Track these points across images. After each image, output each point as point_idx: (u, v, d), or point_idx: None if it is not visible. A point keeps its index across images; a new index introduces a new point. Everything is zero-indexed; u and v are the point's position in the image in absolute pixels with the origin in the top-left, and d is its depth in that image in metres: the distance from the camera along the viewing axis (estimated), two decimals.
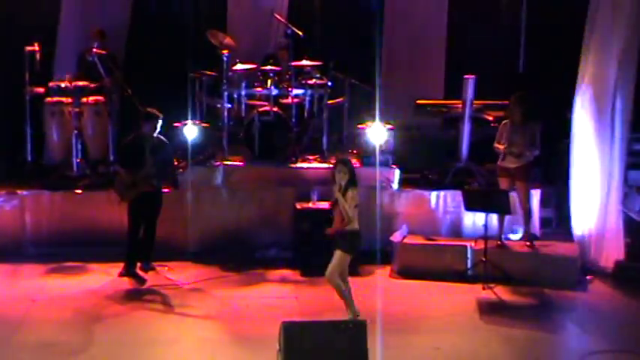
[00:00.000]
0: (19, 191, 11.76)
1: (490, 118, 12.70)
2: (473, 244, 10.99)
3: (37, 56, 12.22)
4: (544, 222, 11.68)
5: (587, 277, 10.88)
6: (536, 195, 11.75)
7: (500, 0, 14.05)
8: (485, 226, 10.61)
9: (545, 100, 11.95)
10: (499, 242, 11.05)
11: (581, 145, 11.11)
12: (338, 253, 9.08)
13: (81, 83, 12.52)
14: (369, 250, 11.37)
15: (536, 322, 9.49)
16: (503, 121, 11.15)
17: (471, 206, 11.00)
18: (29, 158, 12.47)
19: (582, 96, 11.09)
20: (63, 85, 12.49)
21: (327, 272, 9.12)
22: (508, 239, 11.35)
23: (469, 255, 10.92)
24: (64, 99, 12.43)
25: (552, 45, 12.73)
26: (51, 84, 12.56)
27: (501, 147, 10.95)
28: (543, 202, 11.97)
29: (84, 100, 12.44)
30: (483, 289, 10.34)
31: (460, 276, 10.72)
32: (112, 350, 8.56)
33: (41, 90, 12.45)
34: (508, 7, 14.03)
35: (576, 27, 11.15)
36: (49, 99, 12.47)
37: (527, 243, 11.13)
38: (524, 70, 14.11)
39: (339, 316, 9.11)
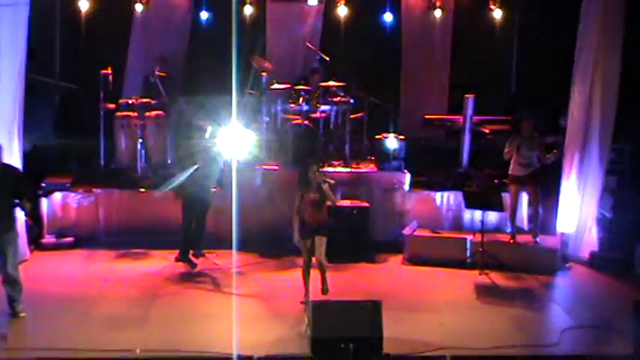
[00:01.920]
0: (94, 189, 11.79)
1: (487, 131, 12.63)
2: (472, 236, 10.93)
3: (110, 78, 12.29)
4: (530, 218, 11.55)
5: (567, 265, 10.79)
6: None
7: (495, 32, 13.95)
8: (482, 221, 10.56)
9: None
10: (512, 240, 10.92)
11: (574, 154, 11.00)
12: (324, 240, 9.00)
13: (145, 100, 12.56)
14: (384, 241, 11.41)
15: (524, 302, 9.44)
16: (513, 136, 10.88)
17: (470, 205, 10.95)
18: (102, 162, 12.52)
19: (574, 112, 11.01)
20: (130, 101, 12.52)
21: (322, 257, 9.01)
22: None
23: (468, 246, 10.84)
24: (131, 113, 12.42)
25: (539, 70, 12.65)
26: (121, 101, 12.58)
27: (510, 153, 10.75)
28: (530, 202, 11.85)
29: (147, 114, 12.46)
30: (480, 274, 10.29)
31: (461, 264, 10.66)
32: (169, 322, 8.59)
33: (113, 106, 12.49)
34: (502, 37, 13.95)
35: (559, 54, 11.06)
36: (119, 113, 12.47)
37: (534, 238, 10.92)
38: (516, 91, 14.01)
39: (359, 296, 9.07)
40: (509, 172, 10.92)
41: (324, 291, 9.11)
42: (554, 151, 10.70)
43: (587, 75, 10.78)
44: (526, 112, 11.01)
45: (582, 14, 10.71)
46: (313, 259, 9.12)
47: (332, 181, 9.15)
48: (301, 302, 9.07)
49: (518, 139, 10.80)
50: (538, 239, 10.91)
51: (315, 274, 9.16)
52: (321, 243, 9.03)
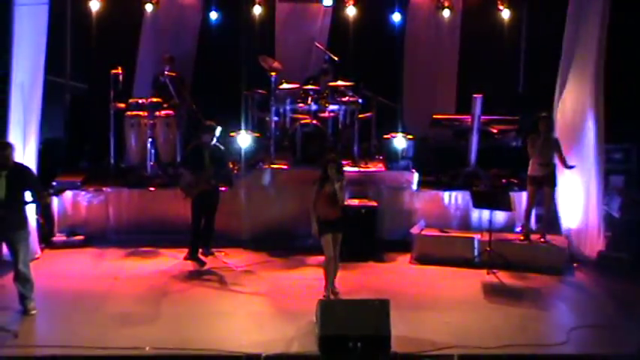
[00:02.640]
0: (104, 188, 11.83)
1: (494, 131, 12.61)
2: (479, 236, 10.92)
3: (121, 78, 12.32)
4: (538, 218, 11.54)
5: (574, 265, 10.77)
6: None
7: (503, 32, 13.93)
8: (490, 220, 10.56)
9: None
10: (524, 237, 10.93)
11: (567, 153, 10.99)
12: (339, 235, 9.05)
13: (154, 100, 12.59)
14: (392, 241, 11.40)
15: (531, 302, 9.44)
16: (531, 136, 10.84)
17: (477, 204, 10.92)
18: (112, 161, 12.55)
19: (562, 113, 10.99)
20: (140, 101, 12.56)
21: (335, 253, 9.05)
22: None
23: (476, 245, 10.83)
24: (141, 113, 12.47)
25: (545, 70, 12.61)
26: (131, 100, 12.61)
27: (532, 160, 10.75)
28: (538, 202, 11.83)
29: (157, 113, 12.48)
30: (487, 273, 10.28)
31: (468, 263, 10.65)
32: (178, 320, 8.60)
33: (123, 105, 12.53)
34: (510, 38, 13.93)
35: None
36: (129, 113, 12.51)
37: (542, 238, 10.92)
38: (523, 91, 13.99)
39: (367, 295, 9.13)
40: (529, 172, 10.87)
41: (334, 294, 9.13)
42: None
43: (576, 72, 10.76)
44: (545, 112, 10.93)
45: (569, 16, 10.74)
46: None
47: (344, 180, 9.15)
48: (324, 296, 9.04)
49: (537, 139, 10.75)
50: (547, 238, 10.89)
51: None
52: (338, 240, 9.08)
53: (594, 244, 10.93)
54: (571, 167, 10.74)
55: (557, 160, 10.79)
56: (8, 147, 8.53)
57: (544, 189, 10.84)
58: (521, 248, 10.78)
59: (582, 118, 10.87)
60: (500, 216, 11.40)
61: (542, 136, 10.74)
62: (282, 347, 7.81)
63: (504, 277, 10.21)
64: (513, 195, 10.99)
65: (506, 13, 13.91)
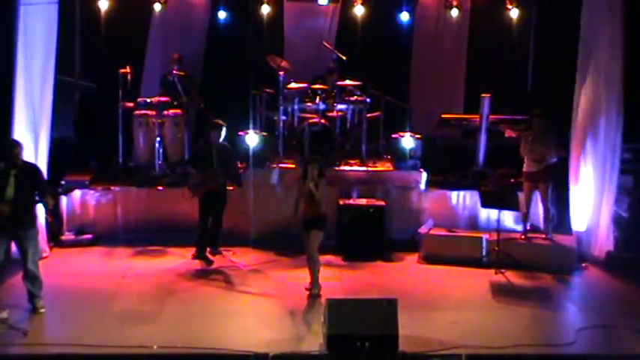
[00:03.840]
0: (112, 187, 11.87)
1: (503, 131, 12.58)
2: (487, 235, 10.90)
3: (129, 77, 12.35)
4: (544, 218, 11.50)
5: (583, 265, 10.74)
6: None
7: (512, 31, 13.90)
8: (498, 220, 10.54)
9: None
10: (524, 236, 10.95)
11: (580, 153, 10.97)
12: (316, 233, 9.13)
13: (163, 99, 12.62)
14: (400, 240, 11.39)
15: (539, 302, 9.40)
16: (525, 132, 10.97)
17: (486, 204, 10.90)
18: (121, 160, 12.58)
19: (579, 112, 10.96)
20: (149, 100, 12.59)
21: (310, 251, 9.15)
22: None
23: (484, 245, 10.81)
24: (149, 112, 12.52)
25: (554, 70, 12.59)
26: (139, 99, 12.66)
27: (525, 157, 10.84)
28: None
29: (165, 112, 12.52)
30: (495, 273, 10.26)
31: (476, 262, 10.63)
32: (185, 318, 8.61)
33: (131, 104, 12.56)
34: (519, 37, 13.89)
35: (576, 54, 11.00)
36: (137, 112, 12.56)
37: (545, 236, 10.93)
38: (532, 91, 13.95)
39: (375, 295, 9.13)
40: (523, 169, 10.92)
41: (313, 294, 9.18)
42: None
43: (591, 73, 10.74)
44: (538, 110, 10.96)
45: (583, 15, 10.71)
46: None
47: (323, 183, 9.23)
48: (306, 288, 9.25)
49: (530, 136, 10.82)
50: (550, 236, 10.89)
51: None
52: (316, 237, 9.16)
53: (603, 245, 10.90)
54: (553, 160, 10.74)
55: (554, 158, 10.77)
56: (17, 146, 8.55)
57: (539, 185, 10.82)
58: (529, 248, 10.77)
59: (597, 117, 10.81)
60: (508, 216, 11.36)
61: (534, 133, 10.76)
62: (289, 346, 7.80)
63: (512, 277, 10.18)
64: (521, 195, 10.94)
65: (514, 12, 13.88)
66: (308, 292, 9.29)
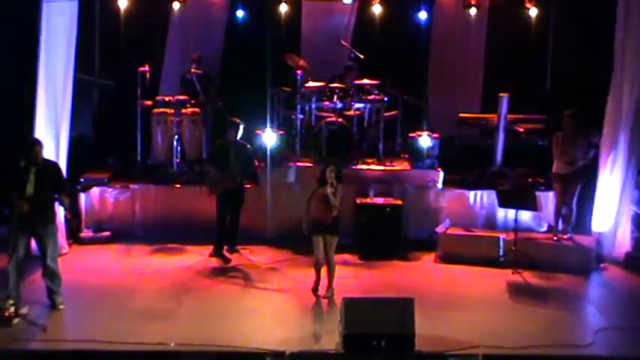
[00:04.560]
0: (131, 185, 11.92)
1: (521, 130, 12.52)
2: (505, 235, 10.86)
3: (148, 76, 12.40)
4: (563, 217, 11.46)
5: (602, 265, 10.68)
6: None
7: (530, 30, 13.82)
8: (516, 220, 10.50)
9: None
10: (555, 236, 10.89)
11: (604, 156, 10.92)
12: (331, 238, 9.13)
13: (181, 97, 12.65)
14: (417, 239, 11.37)
15: (557, 302, 9.36)
16: (556, 134, 10.86)
17: (503, 204, 10.85)
18: (139, 158, 12.63)
19: (607, 118, 10.91)
20: (167, 98, 12.62)
21: (330, 257, 9.15)
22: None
23: (501, 244, 10.77)
24: (167, 110, 12.55)
25: (573, 69, 12.52)
26: (157, 98, 12.69)
27: (555, 158, 10.77)
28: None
29: (183, 111, 12.55)
30: (513, 273, 10.23)
31: (493, 262, 10.60)
32: (202, 316, 8.65)
33: (150, 103, 12.60)
34: (537, 36, 13.81)
35: (594, 53, 10.94)
36: (155, 110, 12.59)
37: (565, 236, 10.89)
38: (550, 90, 13.88)
39: (392, 294, 9.12)
40: (553, 170, 10.83)
41: (327, 296, 9.20)
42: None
43: (622, 74, 10.67)
44: (569, 110, 10.87)
45: (619, 14, 10.61)
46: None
47: (340, 190, 9.21)
48: (311, 290, 9.26)
49: (560, 137, 10.73)
50: (569, 236, 10.84)
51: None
52: (331, 243, 9.16)
53: (622, 245, 10.83)
54: (583, 162, 10.67)
55: (583, 160, 10.71)
56: (38, 144, 8.62)
57: (568, 187, 10.76)
58: (547, 248, 10.72)
59: (626, 118, 10.74)
60: (525, 215, 11.30)
61: (565, 134, 10.69)
62: (306, 345, 7.81)
63: (530, 277, 10.14)
64: (539, 194, 10.89)
65: (533, 11, 13.78)
66: (313, 294, 9.26)
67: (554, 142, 10.82)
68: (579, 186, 10.82)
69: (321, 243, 9.18)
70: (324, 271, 9.29)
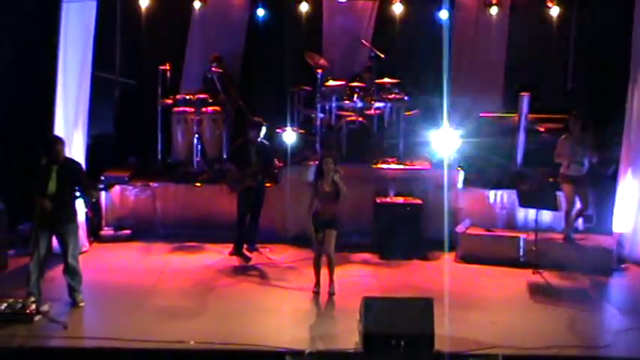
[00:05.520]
0: (151, 183, 11.96)
1: (542, 129, 12.46)
2: (525, 235, 10.80)
3: (168, 74, 12.45)
4: (586, 218, 11.39)
5: (622, 266, 10.58)
6: None
7: (552, 23, 13.74)
8: (536, 220, 10.44)
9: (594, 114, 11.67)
10: (565, 237, 10.82)
11: (625, 156, 10.82)
12: (332, 232, 9.13)
13: (202, 96, 12.68)
14: (437, 239, 11.31)
15: (578, 303, 9.27)
16: (562, 136, 10.79)
17: (524, 203, 10.81)
18: (159, 157, 12.69)
19: (628, 117, 10.81)
20: (187, 97, 12.66)
21: (330, 251, 9.13)
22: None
23: (522, 244, 10.71)
24: (188, 109, 12.58)
25: (596, 68, 12.43)
26: (178, 96, 12.74)
27: (563, 158, 10.66)
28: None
29: (204, 109, 12.58)
30: (533, 273, 10.17)
31: (513, 262, 10.55)
32: (222, 314, 8.66)
33: (170, 101, 12.65)
34: (559, 35, 13.73)
35: (617, 51, 10.84)
36: (176, 109, 12.64)
37: (586, 238, 10.84)
38: (572, 89, 13.79)
39: (411, 294, 9.09)
40: (562, 171, 10.76)
41: (331, 292, 9.21)
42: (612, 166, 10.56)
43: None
44: (575, 110, 10.80)
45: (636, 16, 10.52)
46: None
47: (342, 172, 9.18)
48: (313, 291, 9.27)
49: (569, 140, 10.66)
50: (593, 238, 10.77)
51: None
52: (330, 236, 9.16)
53: None
54: (593, 161, 10.60)
55: (593, 159, 10.62)
56: (60, 142, 8.66)
57: (580, 189, 10.68)
58: (567, 248, 10.65)
59: None
60: (546, 215, 11.24)
61: (573, 135, 10.61)
62: (325, 344, 7.82)
63: (550, 277, 10.08)
64: (560, 194, 10.82)
65: (555, 10, 13.72)
66: (314, 294, 9.28)
67: (560, 144, 10.71)
68: (590, 188, 10.74)
69: (322, 239, 9.20)
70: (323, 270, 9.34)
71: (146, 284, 9.58)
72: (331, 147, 11.60)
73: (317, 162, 9.38)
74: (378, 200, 11.34)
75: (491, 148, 12.60)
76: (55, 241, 8.74)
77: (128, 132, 13.37)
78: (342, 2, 13.98)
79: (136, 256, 10.81)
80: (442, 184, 11.69)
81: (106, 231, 11.55)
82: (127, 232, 11.56)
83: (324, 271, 9.35)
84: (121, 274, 9.95)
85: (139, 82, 13.60)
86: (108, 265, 10.35)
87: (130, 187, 11.89)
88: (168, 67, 12.39)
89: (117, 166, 12.45)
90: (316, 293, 9.28)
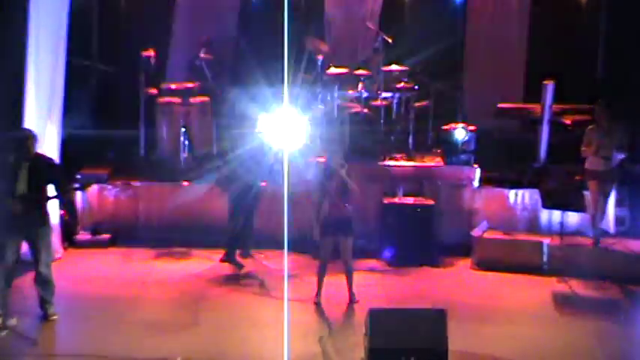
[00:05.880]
0: (133, 182, 11.95)
1: (568, 122, 12.45)
2: (549, 239, 10.77)
3: (152, 61, 12.41)
4: (618, 220, 11.35)
5: None
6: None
7: (580, 6, 13.69)
8: (562, 223, 10.42)
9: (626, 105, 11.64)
10: (593, 241, 10.81)
11: None
12: (347, 240, 9.16)
13: (189, 85, 12.65)
14: (450, 244, 11.32)
15: (609, 315, 9.23)
16: (589, 127, 10.79)
17: (547, 204, 10.81)
18: (142, 152, 12.66)
19: None
20: (173, 86, 12.63)
21: (347, 258, 9.18)
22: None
23: (545, 250, 10.70)
24: (174, 99, 12.56)
25: (628, 55, 12.39)
26: (163, 85, 12.71)
27: (589, 150, 10.65)
28: (618, 202, 11.64)
29: (192, 100, 12.56)
30: (558, 282, 10.16)
31: (536, 270, 10.53)
32: (212, 329, 8.64)
33: (154, 91, 12.62)
34: (588, 12, 13.69)
35: None
36: (160, 99, 12.62)
37: (617, 243, 10.82)
38: (602, 78, 13.75)
39: (422, 304, 9.04)
40: (587, 166, 10.76)
41: (352, 300, 9.26)
42: None
43: None
44: (602, 100, 10.77)
45: None
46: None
47: (346, 165, 9.20)
48: (314, 302, 9.26)
49: (595, 131, 10.65)
50: (626, 243, 10.74)
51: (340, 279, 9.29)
52: (346, 242, 9.20)
53: None
54: (621, 156, 10.57)
55: (622, 154, 10.59)
56: (30, 136, 8.59)
57: (607, 185, 10.65)
58: (596, 254, 10.65)
59: None
60: (572, 218, 11.22)
61: (599, 126, 10.60)
62: None
63: (578, 287, 10.06)
64: (587, 194, 10.79)
65: None
66: (315, 305, 9.28)
67: (586, 136, 10.70)
68: (616, 184, 10.70)
69: (331, 245, 9.18)
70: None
71: (127, 295, 9.56)
72: (338, 141, 11.50)
73: (323, 158, 9.33)
74: (385, 201, 11.32)
75: (511, 142, 12.57)
76: (25, 247, 8.67)
77: (107, 125, 13.33)
78: None
79: (116, 264, 10.79)
80: (456, 182, 11.71)
81: (83, 235, 11.54)
82: (106, 236, 11.55)
83: (332, 280, 9.34)
84: (99, 284, 9.92)
85: (119, 69, 13.54)
86: (84, 273, 10.33)
87: (110, 187, 11.88)
88: (151, 53, 12.35)
89: (95, 163, 12.41)
90: (317, 304, 9.27)
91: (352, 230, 9.25)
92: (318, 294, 9.33)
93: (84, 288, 9.74)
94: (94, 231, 11.60)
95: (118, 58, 13.50)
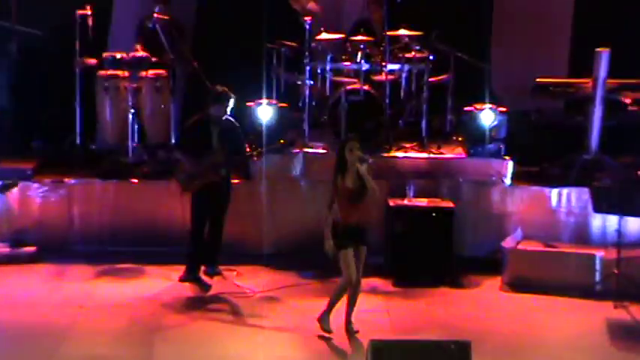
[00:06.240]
0: (66, 180, 11.96)
1: (627, 101, 12.50)
2: (603, 252, 10.83)
3: (90, 22, 12.38)
4: None
5: None
6: None
7: None
8: (619, 231, 10.46)
9: None
10: None
11: None
12: (363, 249, 9.26)
13: (139, 54, 12.64)
14: (475, 257, 11.36)
15: None
16: None
17: (601, 207, 10.84)
18: (78, 141, 12.66)
19: None
20: (119, 56, 12.60)
21: (358, 276, 9.22)
22: None
23: (598, 266, 10.80)
24: (119, 72, 12.56)
25: None
26: (105, 55, 12.69)
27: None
28: None
29: (142, 74, 12.57)
30: (615, 307, 10.21)
31: (586, 291, 10.60)
32: None
33: (93, 62, 12.61)
34: None
35: None
36: (102, 72, 12.62)
37: None
38: None
39: (439, 335, 9.06)
40: None
41: (350, 330, 9.29)
42: None
43: None
44: None
45: None
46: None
47: (370, 160, 9.25)
48: (324, 328, 9.30)
49: None
50: None
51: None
52: (363, 256, 9.26)
53: None
54: None
55: None
56: None
57: None
58: None
59: None
60: (633, 225, 11.28)
61: None
62: None
63: (639, 313, 10.10)
64: None
65: None
66: (328, 335, 9.29)
67: None
68: None
69: (353, 258, 9.19)
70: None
71: (59, 324, 9.53)
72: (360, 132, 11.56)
73: (336, 153, 9.37)
74: (391, 203, 11.37)
75: (553, 128, 12.63)
76: None
77: (32, 105, 13.33)
78: None
79: (44, 284, 10.78)
80: (483, 179, 11.73)
81: (1, 248, 11.52)
82: (31, 249, 11.55)
83: (321, 304, 9.40)
84: (22, 310, 9.91)
85: (46, 32, 13.48)
86: (3, 296, 10.29)
87: (36, 185, 11.90)
88: (89, 12, 12.34)
89: (15, 154, 12.48)
90: (327, 338, 9.25)
91: (368, 240, 9.33)
92: (348, 322, 9.32)
93: (3, 315, 9.70)
94: (15, 242, 11.60)
95: (45, 18, 13.46)
